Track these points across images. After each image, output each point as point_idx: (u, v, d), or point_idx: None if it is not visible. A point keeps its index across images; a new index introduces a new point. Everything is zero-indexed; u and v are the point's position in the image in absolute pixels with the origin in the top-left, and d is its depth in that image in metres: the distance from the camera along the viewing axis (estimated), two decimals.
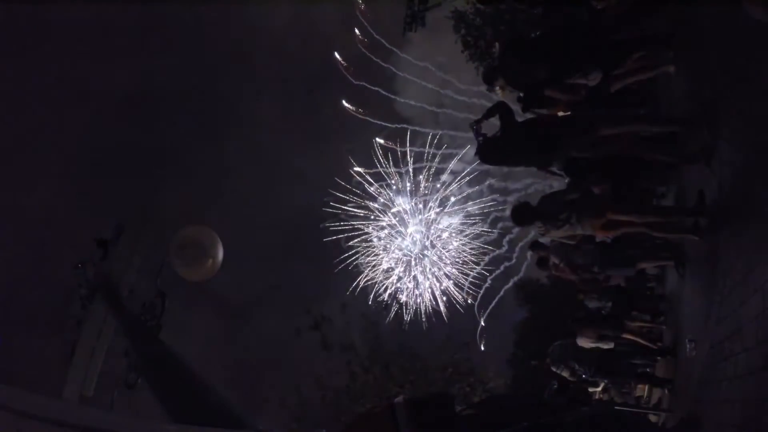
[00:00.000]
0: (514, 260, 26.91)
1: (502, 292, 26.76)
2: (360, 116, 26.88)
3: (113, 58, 30.53)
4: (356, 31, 26.60)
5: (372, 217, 26.27)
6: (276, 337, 24.43)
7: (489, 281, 26.19)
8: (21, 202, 25.11)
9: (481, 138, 4.81)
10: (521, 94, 5.48)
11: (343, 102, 27.24)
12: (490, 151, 4.90)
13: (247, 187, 32.62)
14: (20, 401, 1.32)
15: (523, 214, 4.98)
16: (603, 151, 4.76)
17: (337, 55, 27.60)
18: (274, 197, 32.12)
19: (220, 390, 3.69)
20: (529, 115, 5.01)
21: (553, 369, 7.35)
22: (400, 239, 26.43)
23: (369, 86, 27.43)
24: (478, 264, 25.85)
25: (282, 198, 31.97)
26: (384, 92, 27.50)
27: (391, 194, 26.66)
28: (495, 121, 4.82)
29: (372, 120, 27.14)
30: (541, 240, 6.76)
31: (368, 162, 29.16)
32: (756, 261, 2.79)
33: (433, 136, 26.36)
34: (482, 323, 25.50)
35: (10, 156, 26.05)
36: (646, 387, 7.55)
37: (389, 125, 27.58)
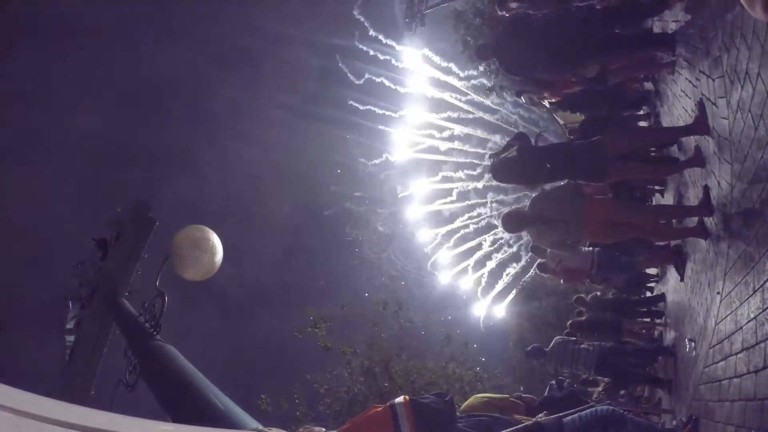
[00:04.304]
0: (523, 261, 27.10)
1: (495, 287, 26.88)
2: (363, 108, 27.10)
3: (115, 56, 30.50)
4: (356, 32, 26.75)
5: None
6: (275, 336, 24.45)
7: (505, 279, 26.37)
8: (21, 201, 25.08)
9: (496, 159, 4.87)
10: (516, 78, 5.53)
11: (349, 101, 27.43)
12: (503, 172, 4.93)
13: (247, 186, 32.63)
14: (20, 401, 1.31)
15: (510, 221, 4.94)
16: (610, 178, 4.76)
17: (338, 57, 27.77)
18: (274, 196, 32.11)
19: (219, 390, 3.69)
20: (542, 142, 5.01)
21: (552, 370, 7.36)
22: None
23: (372, 77, 27.59)
24: None
25: (282, 197, 31.97)
26: (387, 83, 27.65)
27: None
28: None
29: (376, 110, 27.30)
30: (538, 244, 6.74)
31: (373, 154, 29.24)
32: (756, 260, 2.79)
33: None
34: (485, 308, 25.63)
35: (10, 155, 26.01)
36: (646, 387, 7.55)
37: (393, 115, 27.72)
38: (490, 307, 28.06)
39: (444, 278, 29.81)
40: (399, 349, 16.78)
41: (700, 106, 4.08)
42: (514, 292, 28.22)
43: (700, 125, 4.04)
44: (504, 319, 27.84)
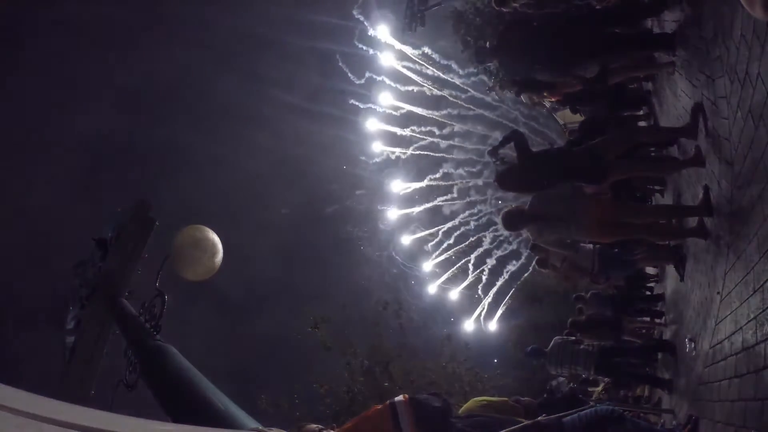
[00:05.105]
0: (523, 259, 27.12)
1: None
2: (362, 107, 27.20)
3: (114, 55, 30.52)
4: (356, 30, 26.82)
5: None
6: (275, 336, 24.46)
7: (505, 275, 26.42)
8: (21, 201, 25.09)
9: (498, 162, 4.86)
10: (516, 78, 5.53)
11: (350, 100, 27.52)
12: (507, 181, 4.93)
13: (247, 186, 32.63)
14: (20, 401, 1.31)
15: (510, 219, 4.93)
16: (610, 179, 4.75)
17: (338, 56, 27.86)
18: (274, 196, 32.13)
19: (219, 390, 3.69)
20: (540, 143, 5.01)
21: (552, 370, 7.36)
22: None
23: (373, 75, 27.69)
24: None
25: (282, 196, 31.98)
26: (388, 81, 27.72)
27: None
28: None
29: (377, 108, 27.36)
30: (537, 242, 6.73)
31: (373, 152, 29.30)
32: (755, 260, 2.79)
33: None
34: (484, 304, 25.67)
35: (9, 155, 26.02)
36: (646, 387, 7.55)
37: (394, 112, 27.79)
38: (491, 307, 28.07)
39: (443, 279, 29.83)
40: (399, 349, 16.79)
41: (694, 109, 4.10)
42: (513, 290, 28.25)
43: (690, 128, 4.08)
44: (504, 319, 27.86)
